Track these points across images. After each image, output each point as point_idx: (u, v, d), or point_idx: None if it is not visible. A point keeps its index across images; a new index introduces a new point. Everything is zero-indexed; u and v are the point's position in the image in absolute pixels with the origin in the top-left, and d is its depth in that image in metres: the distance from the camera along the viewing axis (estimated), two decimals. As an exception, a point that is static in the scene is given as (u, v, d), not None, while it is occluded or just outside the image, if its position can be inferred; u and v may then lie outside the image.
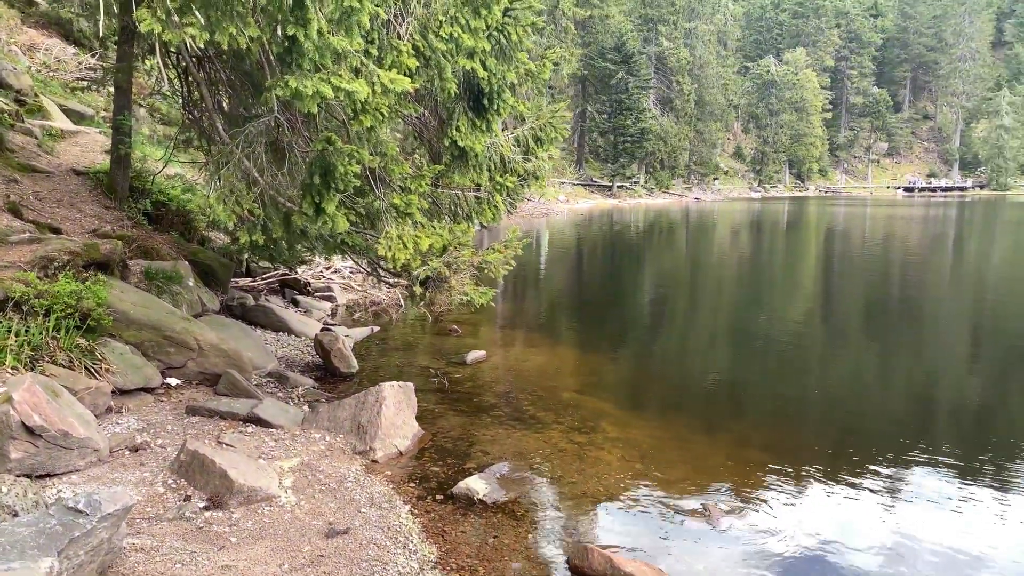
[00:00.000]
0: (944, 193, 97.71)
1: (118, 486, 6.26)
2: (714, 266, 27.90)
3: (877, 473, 7.75)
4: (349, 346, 12.02)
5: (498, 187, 9.40)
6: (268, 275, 17.07)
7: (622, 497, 7.06)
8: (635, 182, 79.90)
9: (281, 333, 13.31)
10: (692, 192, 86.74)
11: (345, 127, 7.65)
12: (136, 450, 7.14)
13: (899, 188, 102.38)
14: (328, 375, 11.12)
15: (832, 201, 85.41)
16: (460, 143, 8.61)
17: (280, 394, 9.85)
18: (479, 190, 9.97)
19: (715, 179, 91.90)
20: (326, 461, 7.52)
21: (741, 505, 7.00)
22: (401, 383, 8.64)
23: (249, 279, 16.81)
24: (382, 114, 7.19)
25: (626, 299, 20.05)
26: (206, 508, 6.19)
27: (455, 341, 13.76)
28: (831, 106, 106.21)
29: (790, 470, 7.90)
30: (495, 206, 9.60)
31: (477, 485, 6.98)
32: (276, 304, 15.47)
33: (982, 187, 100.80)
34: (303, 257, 15.97)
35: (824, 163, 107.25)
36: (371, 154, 7.72)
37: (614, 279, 24.70)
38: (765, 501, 7.11)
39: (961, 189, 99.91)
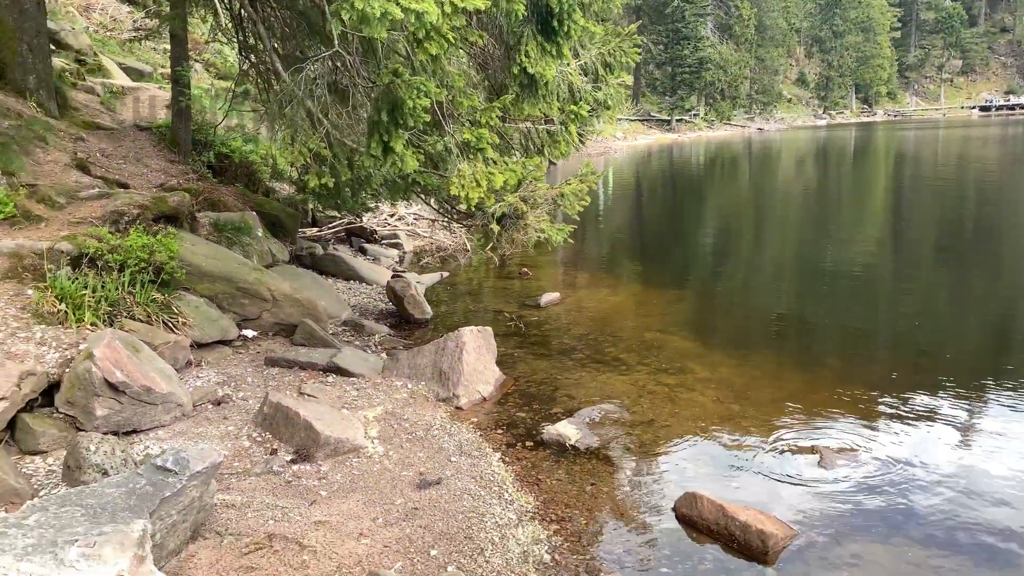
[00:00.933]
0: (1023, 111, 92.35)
1: (204, 442, 6.14)
2: (779, 198, 26.98)
3: (967, 404, 7.44)
4: (421, 292, 11.77)
5: (571, 116, 8.85)
6: (334, 224, 16.93)
7: (722, 440, 6.66)
8: (695, 114, 77.46)
9: (352, 281, 13.15)
10: (754, 122, 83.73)
11: (409, 60, 7.19)
12: (219, 403, 7.02)
13: (974, 108, 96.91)
14: (403, 322, 10.90)
15: (902, 125, 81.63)
16: (530, 70, 8.06)
17: (357, 343, 9.67)
18: (549, 122, 9.44)
19: (774, 108, 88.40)
20: (410, 409, 7.29)
21: (848, 445, 6.53)
22: (480, 328, 8.33)
23: (316, 229, 16.70)
24: (448, 40, 6.70)
25: (690, 236, 19.50)
26: (293, 461, 6.02)
27: (526, 284, 13.40)
28: (900, 24, 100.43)
29: (887, 405, 7.36)
30: (568, 137, 9.06)
31: (568, 430, 6.66)
32: (345, 253, 15.33)
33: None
34: (368, 204, 15.71)
35: (893, 86, 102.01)
36: (437, 86, 7.26)
37: (677, 215, 23.99)
38: (871, 440, 6.62)
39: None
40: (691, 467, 6.12)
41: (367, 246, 16.34)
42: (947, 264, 14.46)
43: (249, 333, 8.99)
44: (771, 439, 6.64)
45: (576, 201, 9.08)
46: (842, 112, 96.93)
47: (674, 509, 5.46)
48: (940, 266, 14.39)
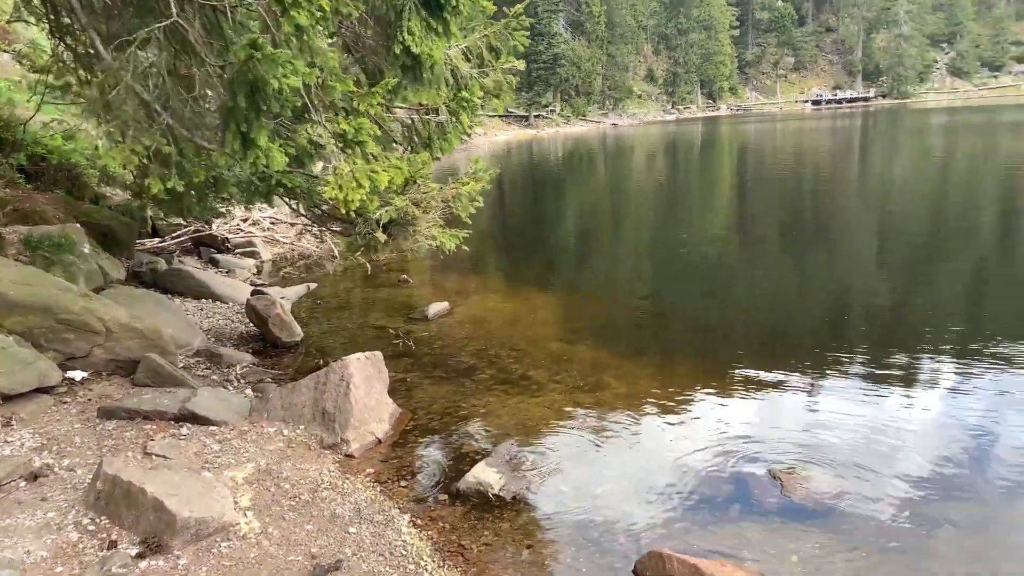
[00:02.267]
0: (850, 104, 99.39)
1: (10, 539, 4.56)
2: (635, 192, 27.55)
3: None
4: (287, 309, 10.27)
5: (462, 104, 7.69)
6: (179, 233, 14.93)
7: (666, 471, 5.75)
8: (551, 110, 78.14)
9: (204, 300, 11.41)
10: (608, 118, 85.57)
11: (270, 32, 5.81)
12: (35, 478, 5.38)
13: (807, 102, 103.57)
14: (268, 346, 9.39)
15: (744, 119, 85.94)
16: (414, 50, 6.85)
17: (215, 377, 8.13)
18: (435, 113, 8.26)
19: (626, 104, 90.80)
20: (289, 463, 5.93)
21: (801, 464, 5.79)
22: (368, 354, 7.05)
23: (157, 240, 14.66)
24: (321, 8, 5.41)
25: (559, 232, 19.18)
26: (140, 556, 4.56)
27: (407, 292, 12.14)
28: (738, 23, 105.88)
29: (833, 410, 6.77)
30: (459, 129, 7.91)
31: (488, 476, 5.53)
32: (193, 266, 13.45)
33: (884, 96, 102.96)
34: (218, 209, 13.95)
35: (734, 81, 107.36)
36: (307, 66, 5.92)
37: (542, 212, 23.48)
38: (821, 451, 5.93)
39: (865, 99, 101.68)
40: (640, 511, 5.16)
41: (219, 257, 14.50)
42: (787, 251, 15.19)
43: (77, 375, 7.28)
44: (721, 465, 5.79)
45: (469, 203, 7.97)
46: (689, 107, 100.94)
47: (636, 574, 4.46)
48: (783, 252, 15.09)
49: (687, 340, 9.52)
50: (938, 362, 7.93)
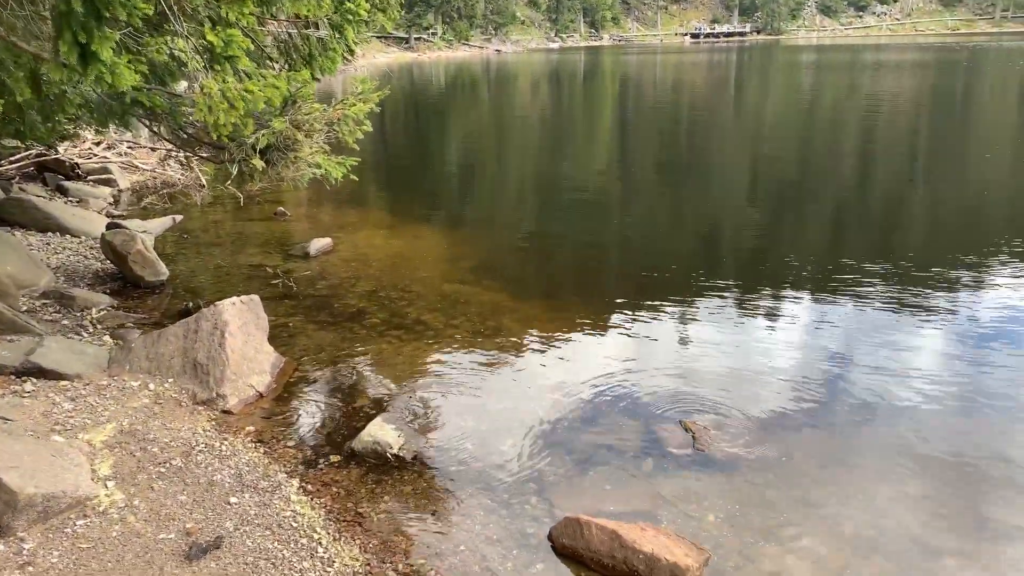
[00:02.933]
0: (727, 38, 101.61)
1: None
2: (518, 120, 27.47)
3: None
4: (150, 245, 9.27)
5: (347, 18, 6.89)
6: (17, 157, 13.27)
7: (574, 423, 5.47)
8: (433, 33, 75.62)
9: (51, 234, 10.18)
10: (491, 44, 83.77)
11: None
12: None
13: (686, 35, 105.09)
14: (129, 286, 8.45)
15: (625, 50, 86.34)
16: (292, -50, 6.00)
17: (66, 322, 7.20)
18: (315, 27, 7.41)
19: (509, 30, 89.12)
20: (157, 423, 5.25)
21: (712, 414, 5.67)
22: (244, 297, 6.35)
23: (-8, 164, 12.99)
24: None
25: (443, 162, 18.76)
26: (-27, 545, 3.86)
27: (284, 227, 11.28)
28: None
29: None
30: (343, 45, 7.12)
31: (385, 434, 5.07)
32: (37, 195, 11.99)
33: (759, 31, 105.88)
34: (65, 132, 12.46)
35: (616, 11, 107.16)
36: (163, -36, 5.02)
37: (425, 140, 22.85)
38: (725, 392, 5.84)
39: (741, 34, 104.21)
40: (551, 471, 4.85)
41: (68, 184, 13.02)
42: (665, 183, 15.56)
43: None
44: (630, 414, 5.57)
45: (357, 127, 7.25)
46: (572, 36, 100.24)
47: (552, 540, 4.17)
48: (662, 184, 15.45)
49: (577, 279, 9.31)
50: (802, 293, 8.28)
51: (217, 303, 6.06)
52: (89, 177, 13.97)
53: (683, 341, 7.03)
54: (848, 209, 12.73)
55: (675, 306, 7.92)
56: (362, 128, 7.30)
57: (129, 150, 16.02)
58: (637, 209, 13.18)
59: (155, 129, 7.00)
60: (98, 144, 15.83)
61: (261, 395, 5.82)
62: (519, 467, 4.88)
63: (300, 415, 5.59)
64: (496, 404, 5.75)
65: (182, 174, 14.67)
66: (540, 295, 8.39)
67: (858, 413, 5.56)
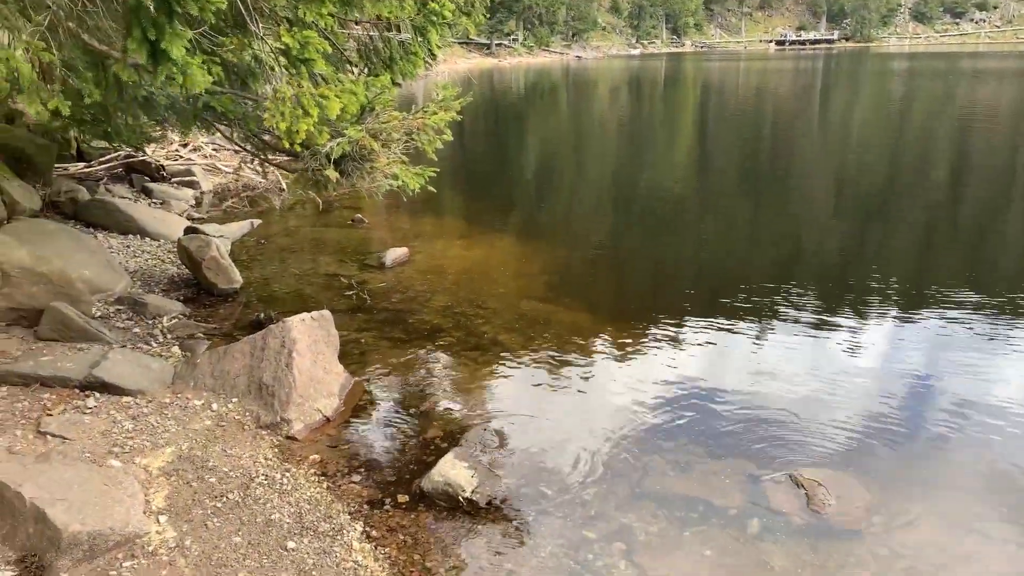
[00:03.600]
0: (813, 46, 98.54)
1: None
2: (599, 128, 26.91)
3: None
4: (226, 250, 9.11)
5: (431, 19, 6.49)
6: (108, 158, 13.45)
7: (667, 469, 4.89)
8: (514, 39, 75.61)
9: (131, 236, 10.16)
10: (572, 50, 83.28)
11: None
12: None
13: (771, 42, 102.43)
14: (202, 293, 8.27)
15: (708, 56, 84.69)
16: (376, -51, 5.63)
17: (137, 330, 7.03)
18: (396, 30, 7.05)
19: (590, 36, 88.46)
20: (217, 447, 4.93)
21: (818, 469, 5.01)
22: (315, 314, 6.01)
23: (82, 164, 13.19)
24: None
25: (521, 169, 18.25)
26: (13, 586, 3.57)
27: (361, 234, 11.02)
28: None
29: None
30: (426, 48, 6.74)
31: (458, 473, 4.61)
32: (122, 196, 12.09)
33: (847, 39, 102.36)
34: (150, 134, 12.52)
35: (699, 17, 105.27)
36: (240, -39, 4.70)
37: (507, 147, 22.40)
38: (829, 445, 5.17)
39: (829, 41, 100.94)
40: (641, 527, 4.28)
41: (152, 186, 13.10)
42: (746, 192, 15.10)
43: (-37, 329, 6.13)
44: (726, 459, 4.96)
45: (437, 136, 6.84)
46: (654, 42, 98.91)
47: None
48: (741, 193, 14.95)
49: (658, 297, 8.69)
50: (889, 316, 7.82)
51: (286, 319, 5.73)
52: (173, 179, 14.07)
53: (773, 370, 6.40)
54: (938, 225, 11.97)
55: (763, 331, 7.38)
56: (442, 138, 6.89)
57: (213, 152, 16.15)
58: (717, 221, 12.59)
59: (227, 134, 6.76)
60: (184, 146, 16.00)
61: (328, 420, 5.44)
62: (605, 520, 4.34)
63: (367, 444, 5.18)
64: (577, 440, 5.21)
65: (262, 177, 14.64)
66: (620, 315, 7.82)
67: (978, 458, 4.85)
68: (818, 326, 7.41)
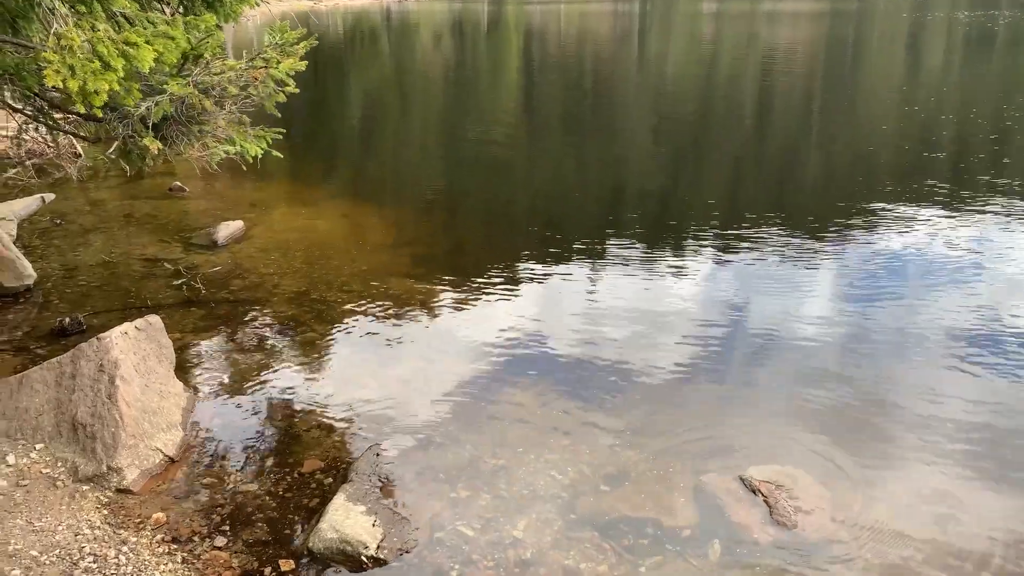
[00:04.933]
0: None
1: None
2: (423, 75, 25.80)
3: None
4: (10, 237, 7.40)
5: (263, -55, 5.20)
6: None
7: (602, 482, 4.19)
8: (328, -19, 71.40)
9: None
10: (389, -8, 80.00)
11: None
12: None
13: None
14: (-17, 295, 6.61)
15: (529, 0, 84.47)
16: None
17: None
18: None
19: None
20: (20, 519, 3.68)
21: (777, 473, 4.54)
22: (139, 323, 4.74)
23: None
24: None
25: (348, 121, 17.25)
26: None
27: (183, 205, 9.47)
28: None
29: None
30: (258, -18, 5.44)
31: (355, 523, 3.66)
32: None
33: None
34: None
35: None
36: None
37: (329, 98, 20.88)
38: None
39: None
40: (590, 569, 3.56)
41: (-95, 157, 10.67)
42: (569, 132, 15.24)
43: None
44: (661, 463, 4.33)
45: (278, 89, 5.62)
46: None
47: None
48: (564, 135, 15.06)
49: (513, 249, 8.00)
50: (705, 243, 8.16)
51: (101, 336, 4.43)
52: (-68, 147, 11.57)
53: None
54: (749, 161, 12.65)
55: (595, 272, 7.48)
56: (285, 90, 5.67)
57: (-16, 112, 13.50)
58: (545, 164, 12.67)
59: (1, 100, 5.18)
60: (-56, 105, 13.26)
61: (171, 460, 4.28)
62: (546, 565, 3.57)
63: (228, 490, 4.09)
64: (492, 455, 4.40)
65: (52, 142, 12.39)
66: (494, 282, 7.04)
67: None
68: (643, 261, 7.58)
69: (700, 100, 18.82)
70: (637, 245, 8.06)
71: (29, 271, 6.81)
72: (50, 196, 9.64)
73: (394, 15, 60.60)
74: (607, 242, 8.13)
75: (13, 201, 9.14)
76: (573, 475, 4.20)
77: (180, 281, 6.90)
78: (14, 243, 7.24)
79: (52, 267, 7.28)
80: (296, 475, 4.21)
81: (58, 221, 8.75)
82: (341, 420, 4.75)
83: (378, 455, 4.32)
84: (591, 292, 6.88)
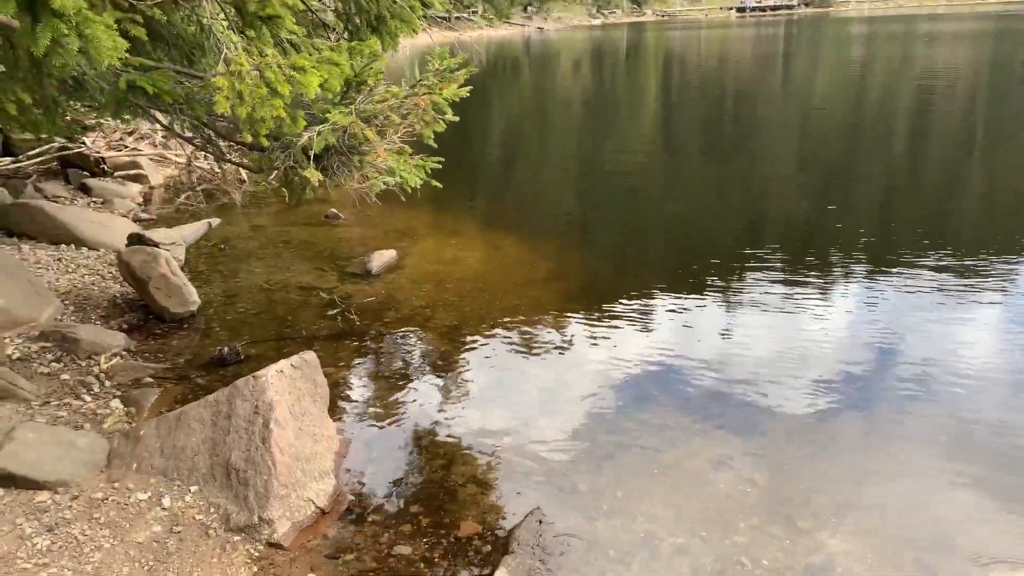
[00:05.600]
0: (774, 12, 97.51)
1: None
2: (559, 101, 25.57)
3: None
4: (179, 263, 7.58)
5: (430, -34, 4.98)
6: (38, 151, 11.73)
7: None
8: (474, 12, 73.42)
9: (64, 246, 8.53)
10: (533, 21, 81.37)
11: None
12: None
13: (731, 9, 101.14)
14: (150, 319, 6.76)
15: (669, 25, 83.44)
16: None
17: (67, 376, 5.52)
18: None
19: (550, 7, 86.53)
20: (173, 567, 3.48)
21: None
22: (295, 360, 4.53)
23: (9, 159, 11.47)
24: None
25: (499, 149, 17.26)
26: None
27: (337, 233, 9.50)
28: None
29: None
30: (425, 5, 5.23)
31: (519, 601, 3.21)
32: (56, 196, 10.41)
33: (807, 4, 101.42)
34: (83, 122, 10.84)
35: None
36: None
37: (472, 126, 20.92)
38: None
39: (788, 7, 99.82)
40: None
41: (92, 182, 11.40)
42: (708, 159, 14.92)
43: None
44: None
45: (436, 117, 5.36)
46: (614, 12, 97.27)
47: None
48: (702, 161, 14.76)
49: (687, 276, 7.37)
50: (853, 278, 7.63)
51: (258, 375, 4.24)
52: (116, 173, 12.36)
53: (745, 339, 6.22)
54: (901, 189, 11.70)
55: (734, 298, 7.18)
56: (445, 118, 5.41)
57: (164, 140, 14.37)
58: (685, 190, 12.49)
59: (168, 124, 5.20)
60: (129, 134, 14.21)
61: (323, 512, 4.00)
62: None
63: (381, 550, 3.75)
64: (670, 533, 3.85)
65: (219, 169, 12.96)
66: (662, 320, 6.46)
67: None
68: (788, 292, 7.19)
69: (847, 125, 17.74)
70: (778, 275, 7.63)
71: (194, 297, 6.91)
72: (216, 221, 9.97)
73: (534, 43, 61.50)
74: (747, 271, 7.76)
75: (184, 226, 9.48)
76: (769, 566, 3.57)
77: (335, 311, 6.78)
78: (181, 268, 7.40)
79: (215, 293, 7.37)
80: (453, 539, 3.81)
81: (222, 247, 8.97)
82: (498, 475, 4.34)
83: (540, 522, 3.85)
84: (728, 322, 6.49)
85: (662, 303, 6.96)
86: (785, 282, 7.44)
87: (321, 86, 4.05)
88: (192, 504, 3.94)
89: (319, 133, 4.30)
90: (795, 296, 7.07)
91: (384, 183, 5.05)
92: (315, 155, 4.44)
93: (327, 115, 4.38)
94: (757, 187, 12.28)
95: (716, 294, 7.23)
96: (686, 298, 7.06)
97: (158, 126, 14.01)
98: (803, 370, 5.52)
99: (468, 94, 5.26)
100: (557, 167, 14.74)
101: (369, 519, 4.00)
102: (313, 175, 4.36)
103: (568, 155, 16.01)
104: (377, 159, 4.68)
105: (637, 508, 4.01)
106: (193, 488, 4.03)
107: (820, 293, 7.14)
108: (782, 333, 6.27)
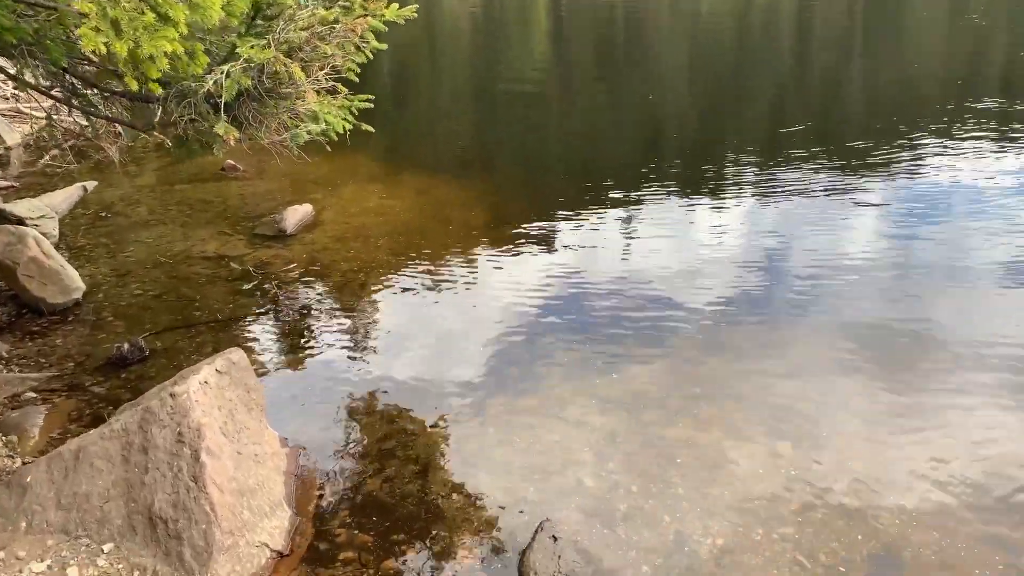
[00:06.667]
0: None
1: None
2: (448, 34, 24.15)
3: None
4: (52, 241, 6.37)
5: None
6: None
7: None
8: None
9: (-96, 230, 7.07)
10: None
11: None
12: None
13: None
14: (25, 314, 5.61)
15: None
16: None
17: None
18: None
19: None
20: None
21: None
22: (220, 364, 3.60)
23: None
24: None
25: (404, 82, 16.02)
26: None
27: (240, 188, 8.36)
28: None
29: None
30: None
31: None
32: None
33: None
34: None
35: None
36: None
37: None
38: None
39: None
40: None
41: (-66, 148, 9.71)
42: (600, 79, 14.84)
43: None
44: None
45: (359, 47, 4.37)
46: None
47: None
48: (595, 82, 14.59)
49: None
50: (747, 181, 8.04)
51: (176, 391, 3.31)
52: (-37, 134, 10.61)
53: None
54: (787, 95, 12.39)
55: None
56: (370, 47, 4.41)
57: (16, 92, 12.48)
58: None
59: (18, 73, 4.02)
60: (-25, 86, 12.26)
61: (281, 555, 3.20)
62: None
63: (364, 600, 3.01)
64: (704, 533, 3.26)
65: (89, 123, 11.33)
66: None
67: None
68: (686, 204, 7.42)
69: (735, 35, 18.47)
70: (675, 185, 7.92)
71: (77, 283, 5.78)
72: (92, 183, 8.63)
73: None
74: (645, 186, 7.92)
75: (53, 193, 8.11)
76: (825, 558, 3.02)
77: (250, 285, 5.80)
78: (56, 247, 6.20)
79: (101, 273, 6.23)
80: (451, 573, 3.09)
81: (104, 214, 7.72)
82: (485, 476, 3.62)
83: (554, 539, 3.18)
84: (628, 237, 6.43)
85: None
86: (681, 193, 7.68)
87: (223, 8, 3.05)
88: (109, 570, 3.06)
89: (227, 75, 3.29)
90: (693, 207, 7.35)
91: (308, 132, 4.08)
92: (225, 104, 3.44)
93: (236, 51, 3.38)
94: (649, 102, 12.41)
95: (618, 210, 7.29)
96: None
97: (1, 75, 12.16)
98: (702, 280, 5.73)
99: (415, 14, 4.26)
100: (475, 97, 14.25)
101: (340, 556, 3.22)
102: (224, 129, 3.38)
103: (464, 85, 15.50)
104: (304, 103, 3.71)
105: (661, 509, 3.38)
106: (107, 547, 3.13)
107: (716, 202, 7.45)
108: (681, 244, 6.49)
